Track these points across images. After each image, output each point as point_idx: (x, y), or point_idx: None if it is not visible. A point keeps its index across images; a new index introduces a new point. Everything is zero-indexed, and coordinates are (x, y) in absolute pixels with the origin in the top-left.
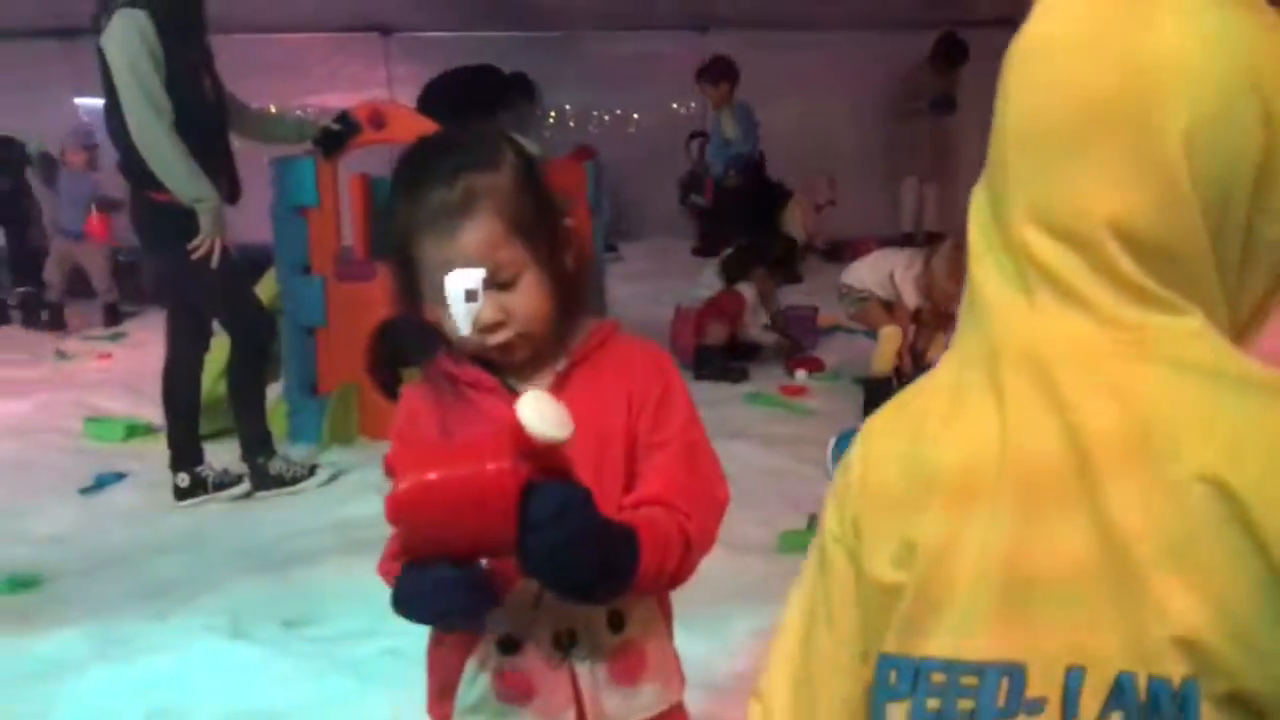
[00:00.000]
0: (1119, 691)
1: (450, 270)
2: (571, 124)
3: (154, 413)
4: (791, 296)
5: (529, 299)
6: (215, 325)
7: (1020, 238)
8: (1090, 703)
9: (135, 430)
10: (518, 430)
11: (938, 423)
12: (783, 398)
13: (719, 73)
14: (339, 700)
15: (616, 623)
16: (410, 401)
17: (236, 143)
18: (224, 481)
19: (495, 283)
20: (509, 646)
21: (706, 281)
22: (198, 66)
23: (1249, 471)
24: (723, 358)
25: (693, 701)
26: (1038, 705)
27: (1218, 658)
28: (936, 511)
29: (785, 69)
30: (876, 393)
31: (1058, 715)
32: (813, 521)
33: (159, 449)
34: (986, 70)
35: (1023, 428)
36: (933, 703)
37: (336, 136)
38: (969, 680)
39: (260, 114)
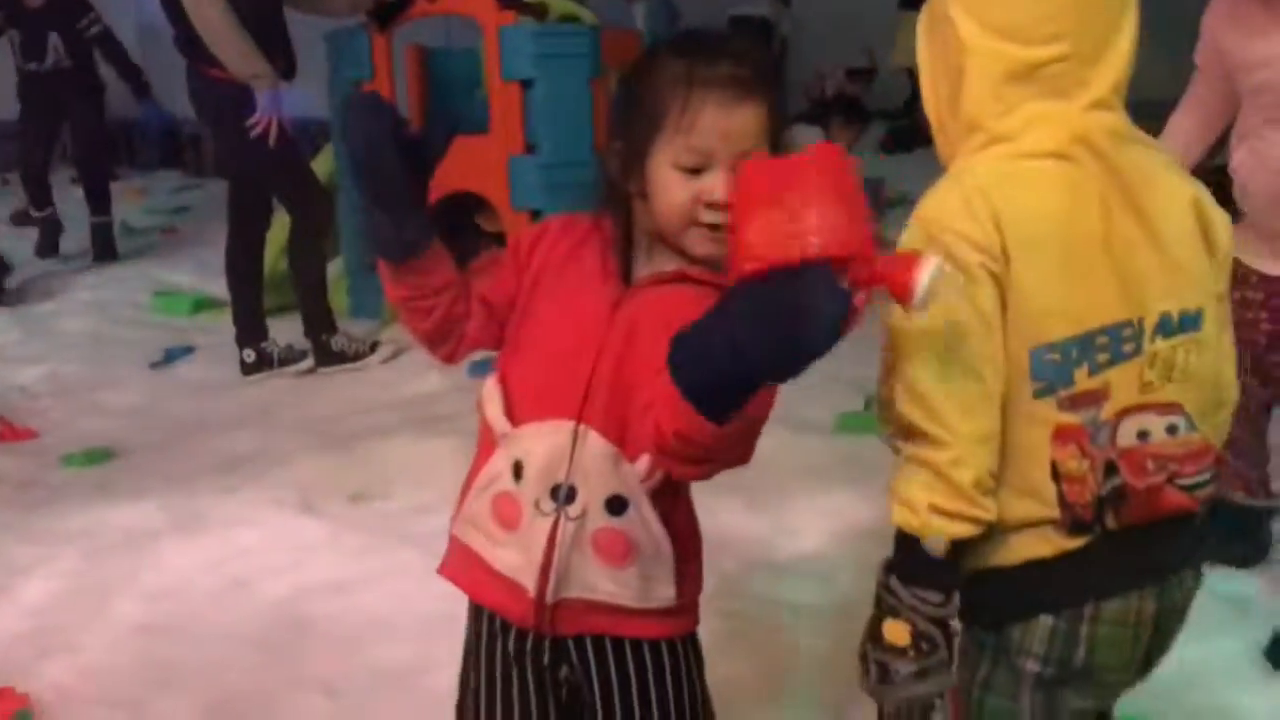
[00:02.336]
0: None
1: (723, 137)
2: None
3: (220, 287)
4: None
5: None
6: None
7: None
8: None
9: (202, 305)
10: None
11: None
12: None
13: None
14: (405, 573)
15: (616, 507)
16: (553, 225)
17: (291, 17)
18: (288, 357)
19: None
20: (518, 473)
21: None
22: None
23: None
24: None
25: (755, 581)
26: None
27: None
28: None
29: None
30: None
31: None
32: (869, 403)
33: (226, 323)
34: None
35: None
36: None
37: (391, 8)
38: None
39: None
